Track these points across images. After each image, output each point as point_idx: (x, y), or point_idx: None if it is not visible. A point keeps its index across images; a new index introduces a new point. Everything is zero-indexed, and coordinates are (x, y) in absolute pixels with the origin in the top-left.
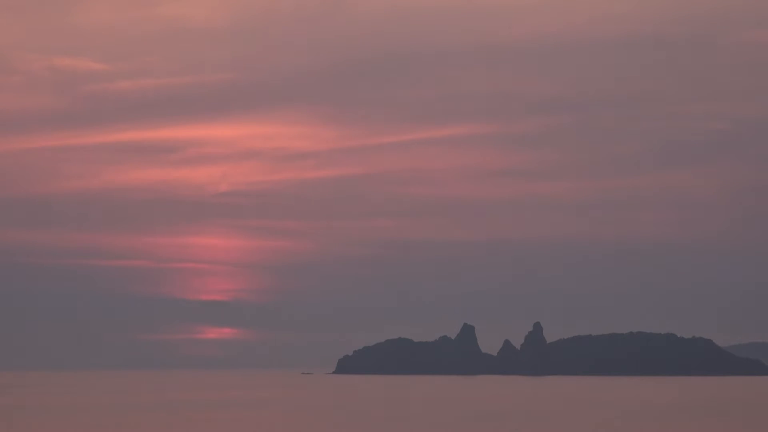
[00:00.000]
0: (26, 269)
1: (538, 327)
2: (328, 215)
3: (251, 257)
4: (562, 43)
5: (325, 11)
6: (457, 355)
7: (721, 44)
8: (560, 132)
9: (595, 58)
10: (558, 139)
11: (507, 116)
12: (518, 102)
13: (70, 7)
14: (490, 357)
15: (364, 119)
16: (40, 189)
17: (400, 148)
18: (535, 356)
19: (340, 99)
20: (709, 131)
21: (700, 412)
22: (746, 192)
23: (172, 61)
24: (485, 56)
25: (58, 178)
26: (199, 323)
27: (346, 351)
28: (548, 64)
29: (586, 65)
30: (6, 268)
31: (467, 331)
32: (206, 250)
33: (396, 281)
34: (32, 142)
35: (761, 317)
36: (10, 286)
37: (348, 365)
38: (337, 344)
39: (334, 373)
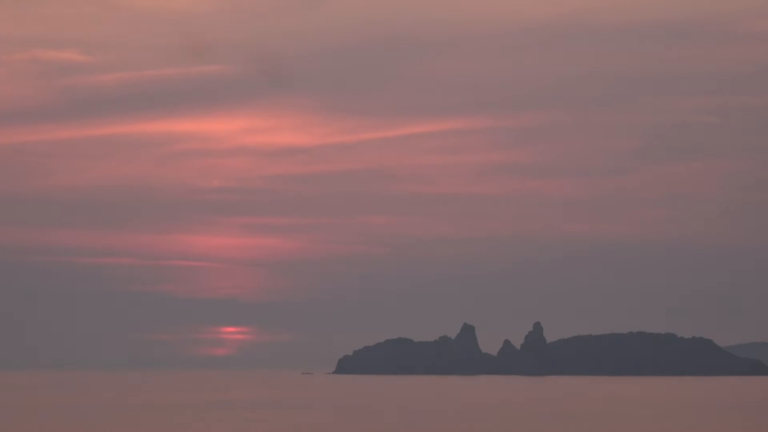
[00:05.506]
0: (18, 268)
1: (538, 327)
2: (322, 212)
3: (246, 254)
4: (559, 36)
5: (315, 2)
6: (457, 355)
7: (721, 36)
8: (560, 128)
9: (592, 52)
10: (558, 136)
11: (504, 111)
12: (514, 96)
13: None
14: (490, 357)
15: (356, 114)
16: (26, 185)
17: (399, 143)
18: (535, 356)
19: (332, 93)
20: (710, 126)
21: (700, 412)
22: (747, 189)
23: (158, 53)
24: (482, 50)
25: (43, 174)
26: (198, 323)
27: (346, 351)
28: (546, 58)
29: (583, 59)
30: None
31: (467, 331)
32: (198, 247)
33: (396, 280)
34: (15, 136)
35: (761, 317)
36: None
37: (348, 365)
38: (337, 344)
39: (334, 373)
